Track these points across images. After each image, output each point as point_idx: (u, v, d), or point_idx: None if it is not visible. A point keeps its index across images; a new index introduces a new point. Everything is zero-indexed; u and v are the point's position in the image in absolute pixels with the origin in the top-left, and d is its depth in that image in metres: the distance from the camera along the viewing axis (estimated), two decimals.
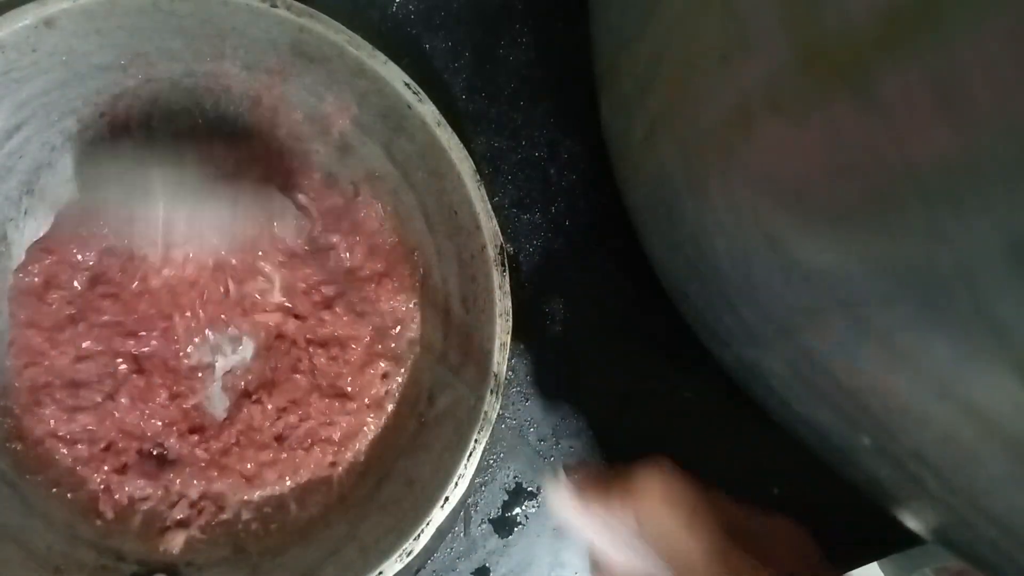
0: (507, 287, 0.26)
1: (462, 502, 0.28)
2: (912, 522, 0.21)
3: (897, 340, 0.15)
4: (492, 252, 0.26)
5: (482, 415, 0.25)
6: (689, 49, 0.18)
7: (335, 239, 0.29)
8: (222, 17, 0.25)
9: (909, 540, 0.31)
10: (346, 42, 0.25)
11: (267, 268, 0.28)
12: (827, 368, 0.18)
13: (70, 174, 0.28)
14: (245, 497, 0.28)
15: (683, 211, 0.21)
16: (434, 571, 0.30)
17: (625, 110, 0.23)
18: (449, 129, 0.26)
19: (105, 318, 0.27)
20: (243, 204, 0.27)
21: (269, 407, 0.28)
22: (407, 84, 0.25)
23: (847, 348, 0.16)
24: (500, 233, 0.26)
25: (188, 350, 0.28)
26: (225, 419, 0.28)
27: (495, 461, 0.31)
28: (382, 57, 0.25)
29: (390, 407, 0.30)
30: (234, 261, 0.28)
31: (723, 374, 0.26)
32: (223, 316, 0.28)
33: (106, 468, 0.27)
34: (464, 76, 0.31)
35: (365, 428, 0.29)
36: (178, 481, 0.27)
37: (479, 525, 0.31)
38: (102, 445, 0.27)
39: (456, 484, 0.25)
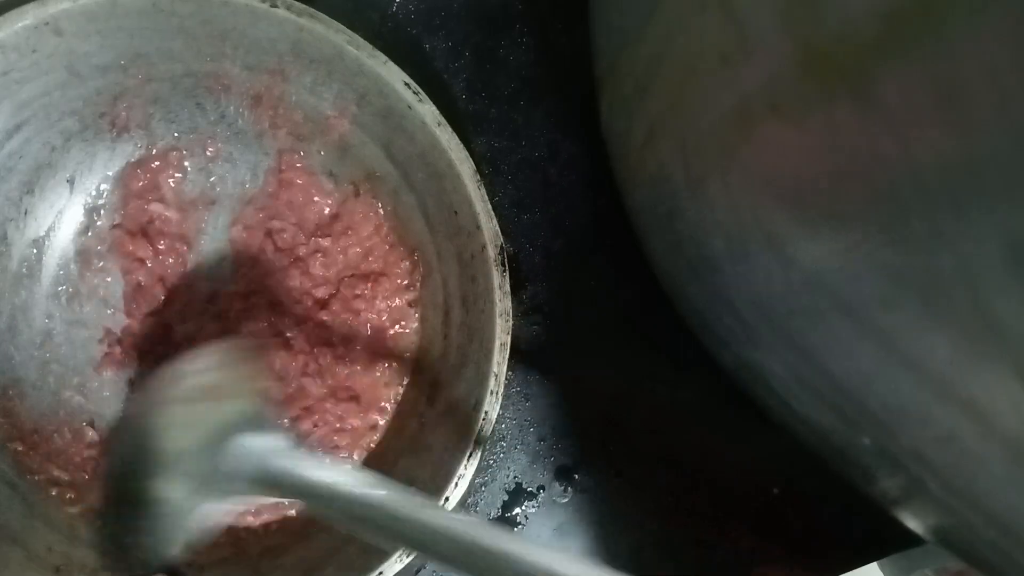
0: (507, 287, 0.26)
1: (462, 502, 0.28)
2: (912, 522, 0.21)
3: (897, 340, 0.15)
4: (492, 252, 0.26)
5: (482, 415, 0.25)
6: (689, 50, 0.18)
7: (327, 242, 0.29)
8: (222, 17, 0.25)
9: (909, 540, 0.31)
10: (346, 42, 0.25)
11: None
12: (827, 368, 0.18)
13: (71, 174, 0.28)
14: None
15: (683, 211, 0.21)
16: (434, 571, 0.30)
17: (625, 111, 0.23)
18: (449, 129, 0.26)
19: None
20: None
21: (284, 422, 0.28)
22: (407, 84, 0.25)
23: (847, 348, 0.16)
24: (500, 233, 0.26)
25: None
26: None
27: (495, 461, 0.31)
28: (382, 57, 0.25)
29: (391, 408, 0.30)
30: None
31: (723, 374, 0.26)
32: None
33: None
34: (464, 76, 0.31)
35: (372, 429, 0.29)
36: None
37: None
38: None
39: (456, 484, 0.25)
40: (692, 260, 0.22)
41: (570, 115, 0.32)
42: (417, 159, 0.27)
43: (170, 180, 0.29)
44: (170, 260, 0.29)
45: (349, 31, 0.25)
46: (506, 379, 0.26)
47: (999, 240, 0.11)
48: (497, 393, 0.25)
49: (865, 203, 0.13)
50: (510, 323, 0.26)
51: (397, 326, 0.30)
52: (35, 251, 0.28)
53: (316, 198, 0.29)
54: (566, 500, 0.31)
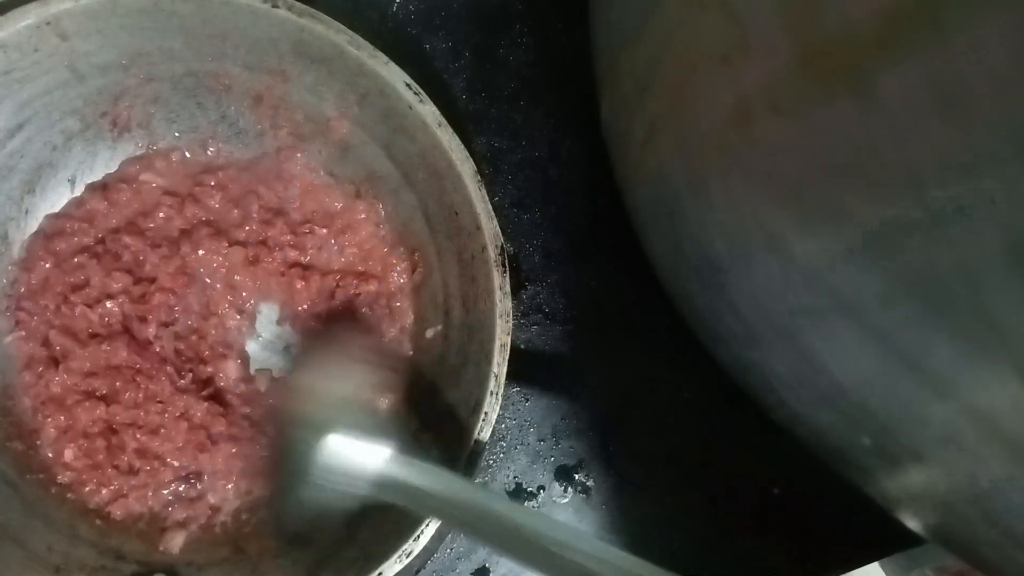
0: (507, 288, 0.26)
1: None
2: (912, 522, 0.21)
3: (897, 340, 0.15)
4: (492, 252, 0.26)
5: (482, 415, 0.25)
6: (689, 49, 0.18)
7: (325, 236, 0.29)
8: (223, 17, 0.25)
9: (909, 540, 0.31)
10: (347, 42, 0.25)
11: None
12: (827, 368, 0.18)
13: (72, 173, 0.28)
14: (246, 496, 0.28)
15: (683, 211, 0.21)
16: (434, 571, 0.30)
17: (625, 110, 0.23)
18: (450, 130, 0.26)
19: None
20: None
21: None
22: (408, 85, 0.25)
23: (847, 348, 0.16)
24: (500, 233, 0.26)
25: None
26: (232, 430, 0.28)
27: (495, 461, 0.31)
28: (383, 57, 0.25)
29: (391, 408, 0.30)
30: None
31: (723, 374, 0.26)
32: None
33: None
34: (464, 76, 0.32)
35: None
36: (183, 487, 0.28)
37: None
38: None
39: None
40: (692, 260, 0.22)
41: (570, 115, 0.32)
42: (418, 159, 0.27)
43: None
44: (170, 270, 0.29)
45: (350, 31, 0.25)
46: (506, 379, 0.26)
47: (999, 239, 0.11)
48: (497, 394, 0.25)
49: (865, 202, 0.13)
50: (510, 323, 0.26)
51: (397, 326, 0.30)
52: None
53: (318, 197, 0.30)
54: (566, 500, 0.31)
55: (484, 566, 0.30)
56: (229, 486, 0.28)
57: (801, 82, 0.14)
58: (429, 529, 0.25)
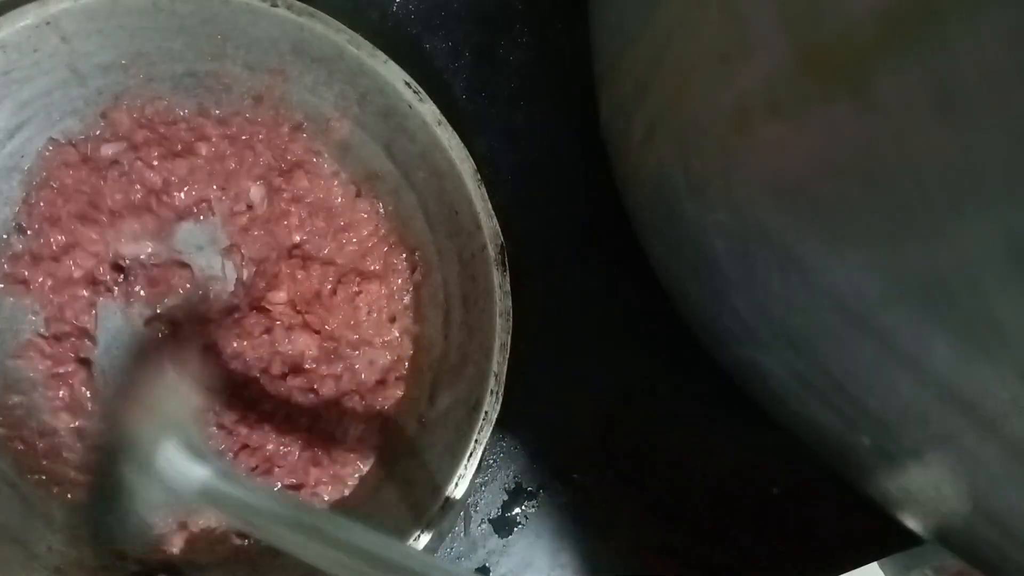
0: (507, 287, 0.26)
1: (462, 502, 0.28)
2: (912, 522, 0.21)
3: (897, 340, 0.15)
4: (492, 252, 0.26)
5: (482, 415, 0.25)
6: (689, 49, 0.18)
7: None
8: (223, 17, 0.25)
9: (909, 540, 0.31)
10: (347, 42, 0.25)
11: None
12: (827, 368, 0.18)
13: None
14: None
15: (683, 211, 0.21)
16: None
17: (625, 110, 0.23)
18: (450, 129, 0.26)
19: None
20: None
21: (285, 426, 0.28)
22: (408, 83, 0.25)
23: (847, 348, 0.16)
24: (500, 233, 0.26)
25: None
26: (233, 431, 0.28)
27: (495, 461, 0.31)
28: (383, 56, 0.25)
29: (391, 408, 0.30)
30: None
31: (723, 374, 0.26)
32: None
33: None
34: (464, 76, 0.32)
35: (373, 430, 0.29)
36: None
37: (479, 525, 0.31)
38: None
39: (456, 484, 0.25)
40: (692, 260, 0.22)
41: (570, 115, 0.32)
42: (418, 158, 0.27)
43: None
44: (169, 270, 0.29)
45: (350, 30, 0.25)
46: (506, 378, 0.26)
47: (999, 239, 0.11)
48: (497, 393, 0.25)
49: (865, 202, 0.13)
50: (510, 323, 0.26)
51: (397, 325, 0.30)
52: None
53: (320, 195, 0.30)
54: (566, 500, 0.31)
55: (484, 566, 0.30)
56: None
57: (801, 82, 0.14)
58: (429, 528, 0.25)
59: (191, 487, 0.22)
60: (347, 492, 0.29)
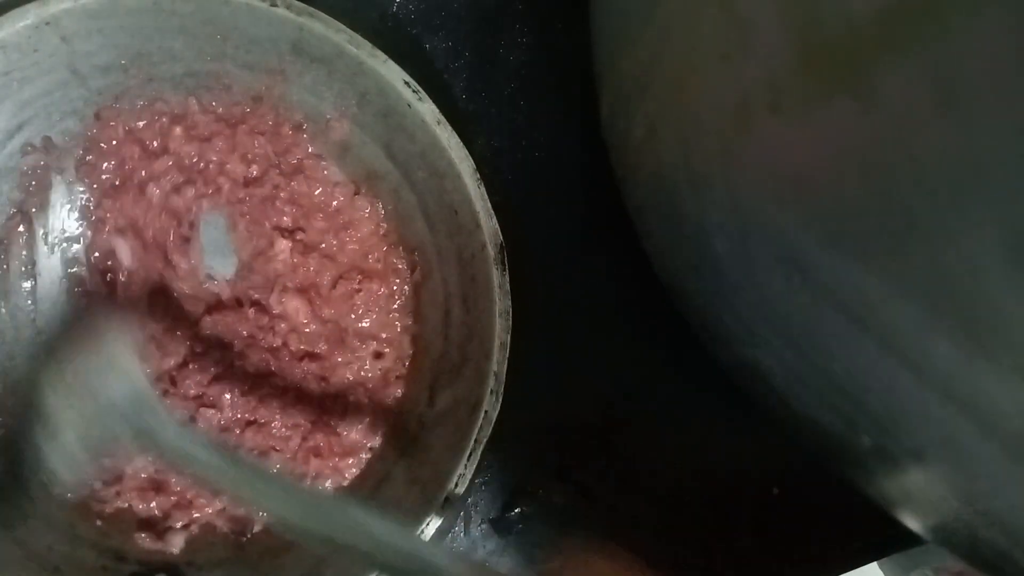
0: (507, 287, 0.26)
1: (462, 502, 0.28)
2: (912, 522, 0.21)
3: (898, 340, 0.15)
4: (492, 251, 0.26)
5: (482, 415, 0.25)
6: (689, 49, 0.18)
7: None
8: (223, 17, 0.25)
9: (909, 540, 0.31)
10: (346, 41, 0.25)
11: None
12: (827, 368, 0.18)
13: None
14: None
15: (683, 210, 0.21)
16: None
17: (625, 109, 0.23)
18: (449, 128, 0.26)
19: None
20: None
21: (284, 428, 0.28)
22: (407, 83, 0.25)
23: (847, 348, 0.16)
24: (500, 232, 0.26)
25: None
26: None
27: (495, 461, 0.31)
28: (382, 56, 0.25)
29: (391, 407, 0.30)
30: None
31: (723, 374, 0.26)
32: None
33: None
34: (464, 76, 0.31)
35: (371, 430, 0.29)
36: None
37: (479, 525, 0.31)
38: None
39: (456, 484, 0.25)
40: (692, 260, 0.22)
41: (570, 115, 0.32)
42: (417, 158, 0.27)
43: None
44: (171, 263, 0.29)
45: (349, 30, 0.25)
46: (505, 378, 0.26)
47: (1001, 237, 0.11)
48: (497, 393, 0.25)
49: (866, 201, 0.13)
50: (510, 322, 0.26)
51: (396, 325, 0.30)
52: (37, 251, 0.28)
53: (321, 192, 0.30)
54: (566, 500, 0.31)
55: (485, 564, 0.30)
56: None
57: (801, 80, 0.14)
58: (429, 528, 0.25)
59: (137, 426, 0.22)
60: (345, 485, 0.29)
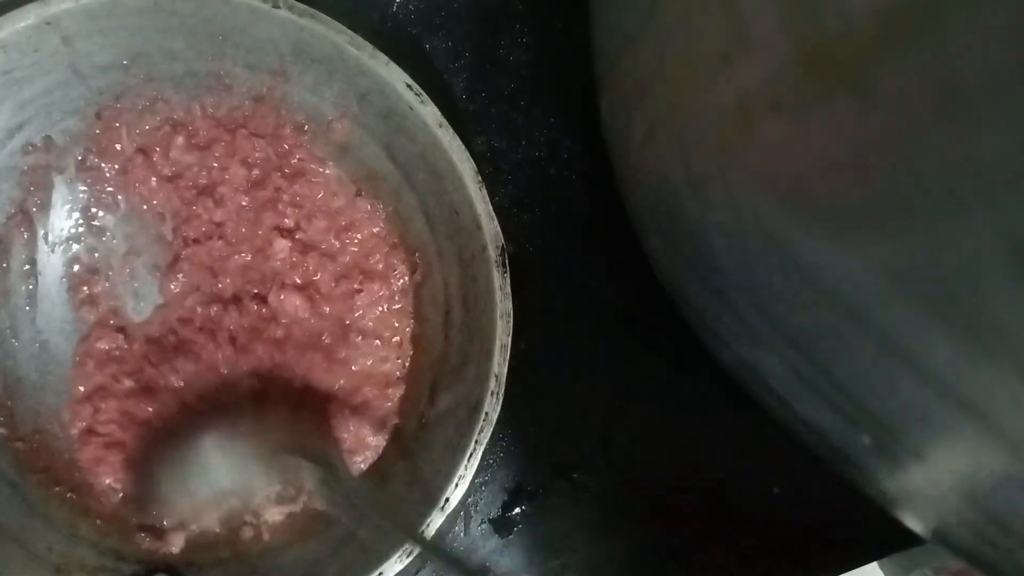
0: (508, 288, 0.26)
1: (462, 502, 0.28)
2: (912, 522, 0.21)
3: (898, 340, 0.15)
4: (493, 253, 0.26)
5: (482, 415, 0.25)
6: (689, 49, 0.18)
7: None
8: (224, 17, 0.25)
9: (909, 540, 0.31)
10: (347, 42, 0.25)
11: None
12: (827, 368, 0.18)
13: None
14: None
15: (684, 210, 0.21)
16: (434, 571, 0.30)
17: (625, 110, 0.23)
18: (451, 130, 0.26)
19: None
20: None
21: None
22: (409, 86, 0.25)
23: (847, 347, 0.16)
24: (501, 233, 0.26)
25: None
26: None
27: (495, 461, 0.31)
28: (383, 58, 0.25)
29: (391, 408, 0.30)
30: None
31: (723, 374, 0.26)
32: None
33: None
34: (464, 76, 0.32)
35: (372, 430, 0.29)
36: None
37: (479, 525, 0.31)
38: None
39: (456, 485, 0.25)
40: (692, 260, 0.22)
41: (570, 115, 0.32)
42: (418, 159, 0.27)
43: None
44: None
45: (350, 31, 0.25)
46: (506, 379, 0.26)
47: (1001, 238, 0.11)
48: (497, 394, 0.25)
49: (866, 202, 0.13)
50: (511, 324, 0.26)
51: (397, 326, 0.30)
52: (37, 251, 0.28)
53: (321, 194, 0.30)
54: (566, 500, 0.31)
55: (485, 565, 0.30)
56: None
57: (801, 81, 0.14)
58: (429, 530, 0.25)
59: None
60: None
